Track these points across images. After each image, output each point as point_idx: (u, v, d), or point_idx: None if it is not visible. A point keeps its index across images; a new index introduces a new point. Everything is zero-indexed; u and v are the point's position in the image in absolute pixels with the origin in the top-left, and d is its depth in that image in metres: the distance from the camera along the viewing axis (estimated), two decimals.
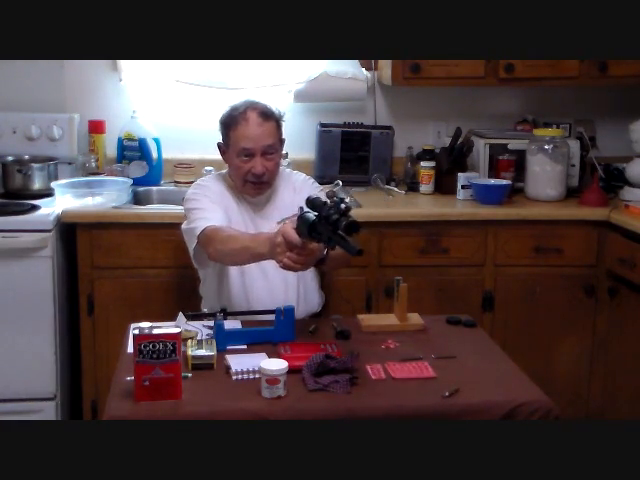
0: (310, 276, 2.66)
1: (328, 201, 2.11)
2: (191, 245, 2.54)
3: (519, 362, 2.18)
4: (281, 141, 2.63)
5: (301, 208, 2.20)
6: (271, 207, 2.65)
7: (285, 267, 2.19)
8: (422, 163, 3.50)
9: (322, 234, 2.07)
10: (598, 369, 3.30)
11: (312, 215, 2.11)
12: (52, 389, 3.03)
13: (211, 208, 2.54)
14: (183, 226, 2.62)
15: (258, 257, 2.35)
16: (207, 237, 2.45)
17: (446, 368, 2.09)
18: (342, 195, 2.02)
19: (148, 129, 3.54)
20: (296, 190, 2.67)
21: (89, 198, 3.15)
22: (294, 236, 2.13)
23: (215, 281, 2.63)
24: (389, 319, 2.43)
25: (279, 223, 2.62)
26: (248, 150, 2.53)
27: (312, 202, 2.15)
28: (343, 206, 2.02)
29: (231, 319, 2.36)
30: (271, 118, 2.57)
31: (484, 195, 3.31)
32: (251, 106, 2.56)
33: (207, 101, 3.60)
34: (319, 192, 2.62)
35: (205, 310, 2.52)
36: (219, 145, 2.66)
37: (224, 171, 2.73)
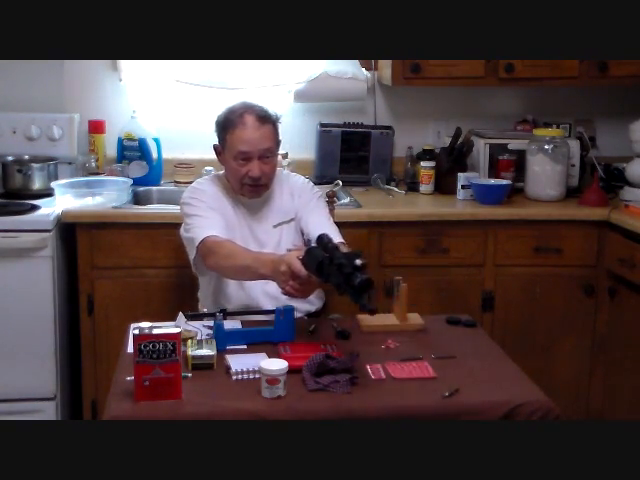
0: None
1: (341, 247, 2.13)
2: (191, 254, 2.56)
3: (519, 362, 2.18)
4: (278, 143, 2.62)
5: (309, 241, 2.23)
6: (267, 210, 2.65)
7: (286, 294, 2.25)
8: (422, 163, 3.50)
9: (331, 277, 2.07)
10: (598, 369, 3.30)
11: (321, 253, 2.13)
12: (52, 389, 3.03)
13: (209, 215, 2.54)
14: (182, 232, 2.63)
15: (260, 277, 2.38)
16: (207, 249, 2.47)
17: (446, 368, 2.09)
18: (351, 251, 2.12)
19: (148, 129, 3.54)
20: (294, 194, 2.67)
21: (89, 198, 3.15)
22: (300, 268, 2.16)
23: (213, 283, 2.62)
24: (389, 319, 2.43)
25: (275, 227, 2.62)
26: (245, 154, 2.52)
27: (324, 244, 2.17)
28: (359, 262, 2.03)
29: (231, 319, 2.36)
30: (268, 121, 2.55)
31: (484, 195, 3.31)
32: (248, 109, 2.55)
33: (207, 101, 3.60)
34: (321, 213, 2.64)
35: (205, 310, 2.52)
36: (215, 147, 2.65)
37: (221, 172, 2.72)
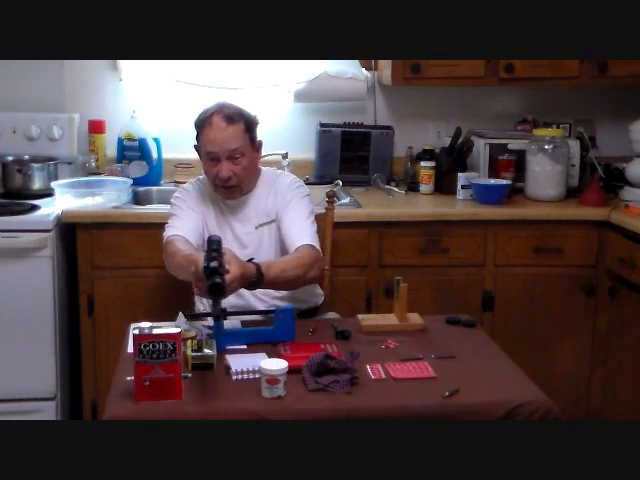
0: None
1: (219, 249, 2.11)
2: None
3: (519, 362, 2.18)
4: (254, 144, 2.58)
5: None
6: (250, 211, 2.62)
7: (197, 295, 2.24)
8: (422, 163, 3.50)
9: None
10: (598, 369, 3.30)
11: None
12: (52, 389, 3.03)
13: (183, 215, 2.58)
14: None
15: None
16: (164, 248, 2.53)
17: (446, 368, 2.09)
18: (219, 249, 2.09)
19: (148, 129, 3.54)
20: (277, 194, 2.62)
21: (89, 198, 3.15)
22: (201, 270, 2.08)
23: None
24: (389, 319, 2.43)
25: (257, 228, 2.61)
26: (212, 154, 2.52)
27: (209, 246, 2.15)
28: (213, 265, 2.02)
29: (231, 319, 2.36)
30: (237, 121, 2.52)
31: (484, 195, 3.31)
32: (217, 110, 2.54)
33: (207, 101, 3.59)
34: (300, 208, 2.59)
35: (203, 310, 2.52)
36: (195, 147, 2.64)
37: None
